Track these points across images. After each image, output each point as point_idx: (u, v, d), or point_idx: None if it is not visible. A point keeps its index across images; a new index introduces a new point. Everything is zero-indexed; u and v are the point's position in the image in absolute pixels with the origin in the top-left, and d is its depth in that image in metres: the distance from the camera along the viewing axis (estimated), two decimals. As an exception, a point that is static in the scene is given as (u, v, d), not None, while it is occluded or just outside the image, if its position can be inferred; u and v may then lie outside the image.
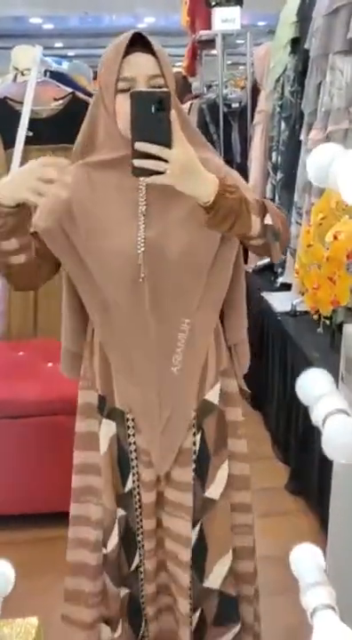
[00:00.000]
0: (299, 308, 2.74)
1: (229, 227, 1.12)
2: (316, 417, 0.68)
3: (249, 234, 1.18)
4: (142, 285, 1.22)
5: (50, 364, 2.49)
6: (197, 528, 1.41)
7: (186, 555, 1.39)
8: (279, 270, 3.32)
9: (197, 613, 1.45)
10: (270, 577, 1.98)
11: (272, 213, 1.20)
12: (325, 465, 2.04)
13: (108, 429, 1.38)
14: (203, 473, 1.39)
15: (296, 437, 2.52)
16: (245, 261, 3.55)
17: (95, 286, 1.27)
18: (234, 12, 3.88)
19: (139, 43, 1.14)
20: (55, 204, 1.23)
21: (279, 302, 2.96)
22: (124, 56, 1.13)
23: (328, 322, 2.12)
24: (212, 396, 1.38)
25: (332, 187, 0.61)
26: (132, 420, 1.36)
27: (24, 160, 2.76)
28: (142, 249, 1.21)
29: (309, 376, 0.71)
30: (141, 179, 1.10)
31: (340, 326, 2.02)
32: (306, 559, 0.80)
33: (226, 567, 1.43)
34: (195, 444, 1.37)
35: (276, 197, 3.34)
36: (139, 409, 1.33)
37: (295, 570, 0.79)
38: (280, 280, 3.22)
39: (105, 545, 1.42)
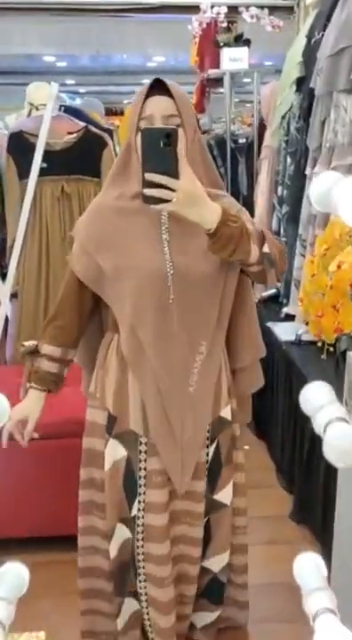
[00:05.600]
0: (303, 338, 2.77)
1: (230, 253, 1.21)
2: (317, 426, 0.72)
3: (248, 261, 1.27)
4: (171, 307, 1.32)
5: (58, 389, 2.53)
6: (203, 522, 1.55)
7: (198, 552, 1.55)
8: (284, 301, 3.37)
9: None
10: (274, 604, 1.99)
11: (270, 243, 1.29)
12: (329, 494, 2.06)
13: (114, 450, 1.44)
14: (213, 480, 1.50)
15: (300, 466, 2.54)
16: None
17: (127, 307, 1.36)
18: (242, 51, 3.98)
19: (160, 87, 1.26)
20: (85, 246, 1.37)
21: (284, 332, 2.99)
22: (146, 98, 1.26)
23: (332, 349, 2.16)
24: (226, 412, 1.49)
25: (332, 211, 0.66)
26: (145, 443, 1.42)
27: (38, 190, 2.87)
28: (171, 272, 1.30)
29: (311, 388, 0.76)
30: (151, 206, 1.17)
31: (343, 354, 2.06)
32: (308, 566, 0.83)
33: (226, 560, 1.63)
34: (207, 454, 1.46)
35: (282, 230, 3.42)
36: (159, 430, 1.39)
37: (298, 576, 0.82)
38: (285, 310, 3.26)
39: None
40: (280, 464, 2.90)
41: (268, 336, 3.15)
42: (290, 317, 3.18)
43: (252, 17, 3.92)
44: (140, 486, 1.43)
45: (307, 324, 2.47)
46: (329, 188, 0.67)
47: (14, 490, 2.28)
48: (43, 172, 2.84)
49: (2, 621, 0.73)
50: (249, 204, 3.90)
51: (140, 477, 1.43)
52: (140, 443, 1.42)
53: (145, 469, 1.43)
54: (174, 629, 1.51)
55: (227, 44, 3.99)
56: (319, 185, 0.71)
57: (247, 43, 4.01)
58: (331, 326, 1.95)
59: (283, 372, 2.87)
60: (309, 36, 2.96)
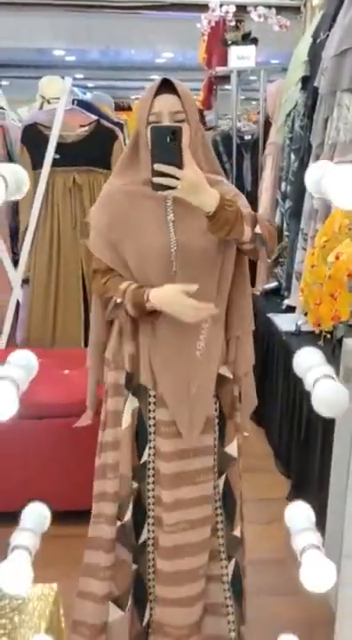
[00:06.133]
0: (303, 328, 2.85)
1: (227, 233, 1.39)
2: (307, 384, 0.82)
3: (242, 239, 1.44)
4: (174, 278, 1.47)
5: (66, 371, 2.63)
6: (223, 479, 1.63)
7: (211, 509, 1.59)
8: (285, 294, 3.46)
9: (232, 562, 1.66)
10: (269, 578, 2.08)
11: (261, 224, 1.46)
12: (323, 477, 2.16)
13: (131, 404, 1.58)
14: (222, 434, 1.62)
15: (297, 452, 2.63)
16: (253, 284, 3.73)
17: (135, 279, 1.50)
18: (249, 50, 4.05)
19: (167, 86, 1.42)
20: (100, 229, 1.53)
21: (284, 323, 3.06)
22: (155, 96, 1.42)
23: (329, 336, 2.26)
24: (225, 370, 1.61)
25: (324, 195, 0.76)
26: (154, 396, 1.55)
27: (51, 180, 2.96)
28: (175, 248, 1.47)
29: (303, 352, 0.86)
30: (159, 192, 1.35)
31: (339, 341, 2.15)
32: (298, 512, 0.93)
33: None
34: (215, 410, 1.59)
35: (285, 225, 3.49)
36: (168, 388, 1.52)
37: (288, 520, 0.93)
38: (286, 302, 3.33)
39: (121, 516, 1.59)
40: (278, 450, 2.99)
41: (268, 326, 3.24)
42: (291, 309, 3.26)
43: (259, 16, 3.99)
44: (150, 434, 1.57)
45: (306, 314, 2.55)
46: (320, 175, 0.78)
47: (26, 466, 2.38)
48: (55, 163, 2.94)
49: (29, 548, 0.83)
50: (253, 200, 3.97)
51: (149, 426, 1.57)
52: (150, 395, 1.56)
53: (154, 419, 1.56)
54: (178, 580, 1.56)
55: (234, 43, 4.06)
56: (313, 173, 0.81)
57: (254, 41, 4.07)
58: (328, 314, 2.04)
59: (282, 362, 2.95)
60: (315, 37, 3.03)
